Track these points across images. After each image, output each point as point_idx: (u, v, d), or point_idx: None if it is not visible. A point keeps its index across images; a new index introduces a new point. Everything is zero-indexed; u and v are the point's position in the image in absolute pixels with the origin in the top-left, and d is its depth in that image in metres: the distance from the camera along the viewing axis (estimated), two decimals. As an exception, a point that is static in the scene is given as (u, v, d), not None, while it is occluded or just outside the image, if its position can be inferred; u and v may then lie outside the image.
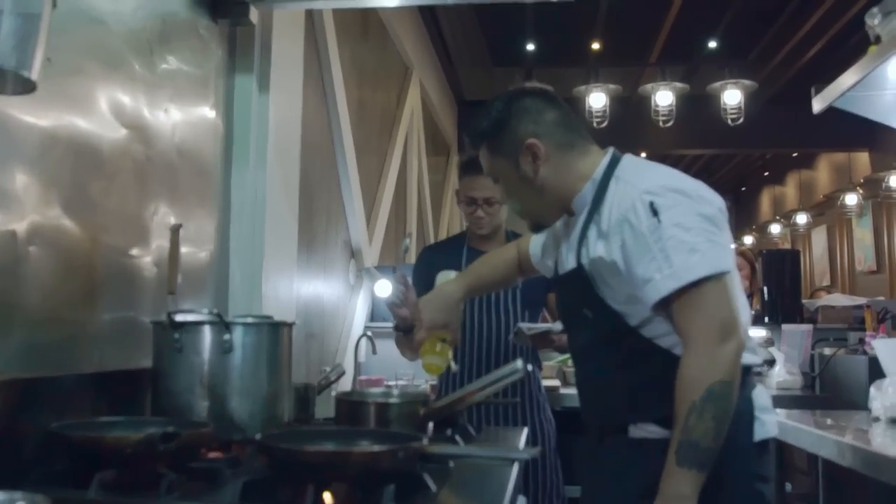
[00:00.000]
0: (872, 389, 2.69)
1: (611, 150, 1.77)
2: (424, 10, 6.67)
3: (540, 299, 2.96)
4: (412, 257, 3.50)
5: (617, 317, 1.66)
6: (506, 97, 1.80)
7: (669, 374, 1.54)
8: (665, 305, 1.58)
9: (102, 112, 1.85)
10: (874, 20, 2.29)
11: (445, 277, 2.30)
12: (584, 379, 1.83)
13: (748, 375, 1.63)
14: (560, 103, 1.80)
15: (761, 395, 1.68)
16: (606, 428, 1.76)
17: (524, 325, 2.72)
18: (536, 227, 1.92)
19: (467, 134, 1.88)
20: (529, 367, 1.93)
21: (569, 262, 1.75)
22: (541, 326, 2.76)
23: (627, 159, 1.75)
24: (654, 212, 1.57)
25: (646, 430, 1.66)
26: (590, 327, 1.74)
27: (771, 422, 1.67)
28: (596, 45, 8.22)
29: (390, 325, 3.08)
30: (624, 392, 1.70)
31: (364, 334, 4.26)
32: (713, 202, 1.62)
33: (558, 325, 2.73)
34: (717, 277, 1.55)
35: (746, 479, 1.61)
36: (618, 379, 1.71)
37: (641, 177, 1.66)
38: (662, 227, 1.56)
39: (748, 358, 1.62)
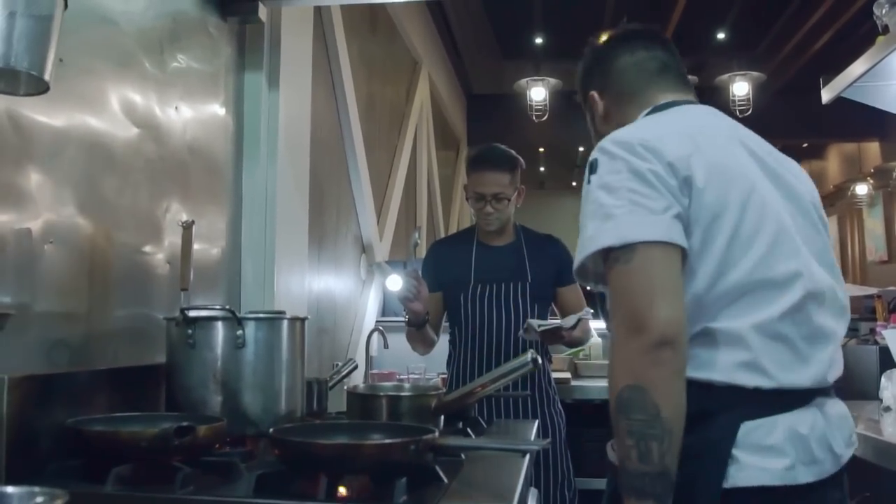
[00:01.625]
0: (883, 379, 2.69)
1: (667, 101, 1.51)
2: (433, 5, 6.67)
3: (549, 294, 2.97)
4: (422, 251, 3.52)
5: (601, 297, 1.45)
6: (588, 48, 1.67)
7: None
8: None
9: (114, 111, 1.87)
10: (882, 10, 2.28)
11: None
12: None
13: (733, 400, 1.26)
14: (638, 45, 1.58)
15: (763, 431, 1.25)
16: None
17: (535, 322, 2.73)
18: None
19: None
20: (539, 360, 1.94)
21: None
22: (551, 322, 2.76)
23: (666, 111, 1.49)
24: (591, 170, 1.34)
25: (613, 454, 1.35)
26: (601, 308, 1.52)
27: (762, 467, 1.23)
28: (605, 38, 8.18)
29: (402, 319, 3.11)
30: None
31: (376, 329, 4.28)
32: (662, 155, 1.29)
33: (569, 321, 2.74)
34: (626, 252, 1.24)
35: None
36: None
37: (624, 127, 1.42)
38: (590, 189, 1.32)
39: (737, 376, 1.26)
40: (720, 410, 1.25)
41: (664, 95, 1.53)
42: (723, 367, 1.26)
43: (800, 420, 1.27)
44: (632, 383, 1.19)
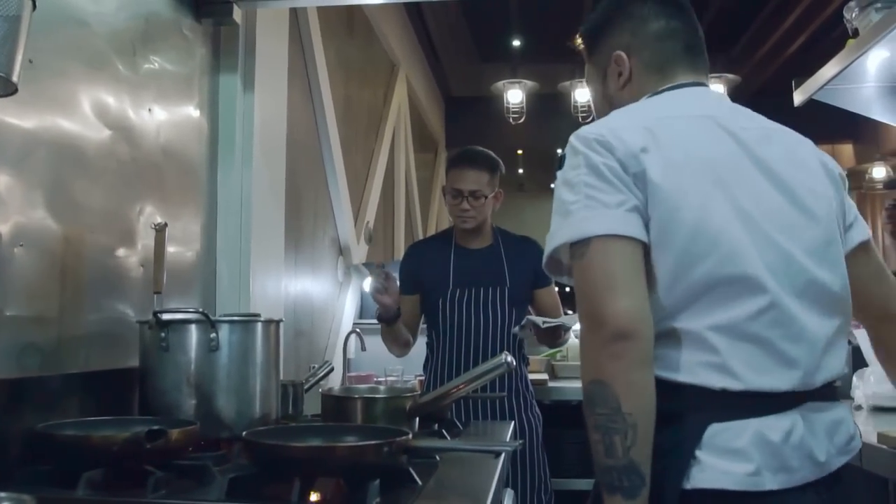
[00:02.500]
0: (854, 378, 2.71)
1: (675, 83, 1.45)
2: (410, 7, 6.67)
3: (526, 297, 2.97)
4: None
5: None
6: None
7: None
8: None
9: (86, 113, 1.86)
10: (852, 14, 2.31)
11: None
12: None
13: (699, 401, 1.23)
14: (677, 13, 1.48)
15: (730, 434, 1.21)
16: None
17: (537, 319, 2.72)
18: None
19: (577, 39, 1.61)
20: (514, 361, 1.95)
21: None
22: (554, 321, 2.76)
23: (661, 95, 1.44)
24: (559, 166, 1.33)
25: None
26: None
27: (724, 469, 1.20)
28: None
29: (375, 320, 3.10)
30: None
31: (353, 331, 4.28)
32: (616, 149, 1.27)
33: (571, 321, 2.73)
34: (581, 247, 1.23)
35: None
36: None
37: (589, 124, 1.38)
38: (556, 185, 1.32)
39: (703, 377, 1.23)
40: (688, 410, 1.23)
41: (683, 76, 1.46)
42: (688, 367, 1.24)
43: (772, 425, 1.23)
44: (594, 378, 1.19)
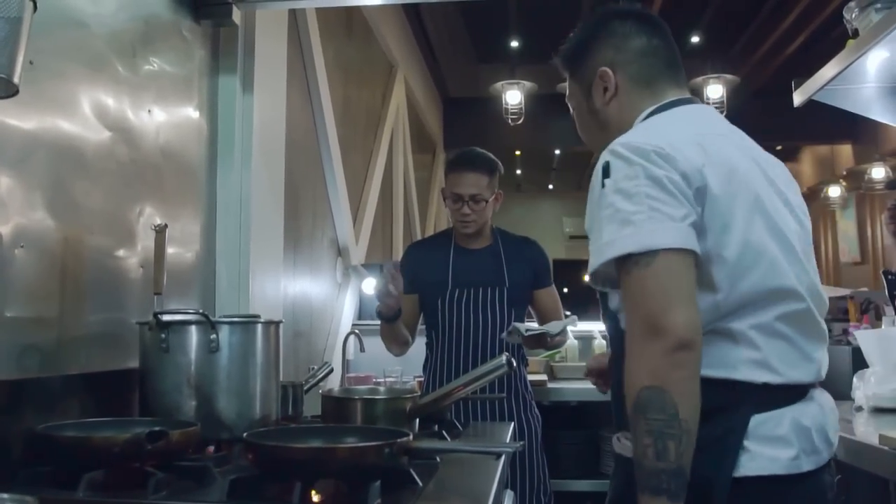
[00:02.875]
0: (855, 379, 2.72)
1: (675, 98, 1.52)
2: (409, 9, 6.68)
3: (526, 298, 2.96)
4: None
5: (602, 296, 1.49)
6: (596, 16, 1.59)
7: None
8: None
9: (86, 114, 1.85)
10: (852, 14, 2.31)
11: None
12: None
13: (744, 395, 1.32)
14: (656, 31, 1.55)
15: (772, 423, 1.32)
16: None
17: (521, 326, 2.70)
18: None
19: (556, 57, 1.66)
20: (514, 363, 1.94)
21: None
22: (537, 328, 2.75)
23: (673, 111, 1.49)
24: (605, 174, 1.34)
25: (621, 445, 1.45)
26: (602, 308, 1.54)
27: (772, 456, 1.30)
28: (580, 41, 8.24)
29: (376, 321, 3.08)
30: (614, 391, 1.51)
31: (352, 332, 4.28)
32: (678, 163, 1.31)
33: (555, 327, 2.72)
34: (647, 258, 1.26)
35: None
36: (614, 375, 1.51)
37: (631, 132, 1.43)
38: (604, 193, 1.32)
39: (746, 373, 1.32)
40: (732, 405, 1.31)
41: (672, 91, 1.53)
42: (733, 364, 1.32)
43: (803, 412, 1.35)
44: (651, 384, 1.23)
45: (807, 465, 1.33)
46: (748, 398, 1.32)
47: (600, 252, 1.32)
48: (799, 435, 1.33)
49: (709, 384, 1.28)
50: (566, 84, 1.66)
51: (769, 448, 1.31)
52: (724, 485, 1.28)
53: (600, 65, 1.54)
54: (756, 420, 1.31)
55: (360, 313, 4.69)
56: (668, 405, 1.22)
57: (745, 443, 1.30)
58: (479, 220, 2.89)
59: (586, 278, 1.47)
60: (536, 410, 2.97)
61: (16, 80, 1.26)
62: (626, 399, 1.27)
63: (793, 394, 1.36)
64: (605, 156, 1.36)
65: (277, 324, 1.93)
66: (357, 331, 4.26)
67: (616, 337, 1.45)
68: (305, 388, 2.32)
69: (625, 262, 1.29)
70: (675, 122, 1.45)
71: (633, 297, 1.29)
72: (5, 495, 0.98)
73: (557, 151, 11.57)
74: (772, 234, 1.36)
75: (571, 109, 1.66)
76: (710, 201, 1.32)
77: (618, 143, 1.36)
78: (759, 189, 1.38)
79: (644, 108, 1.51)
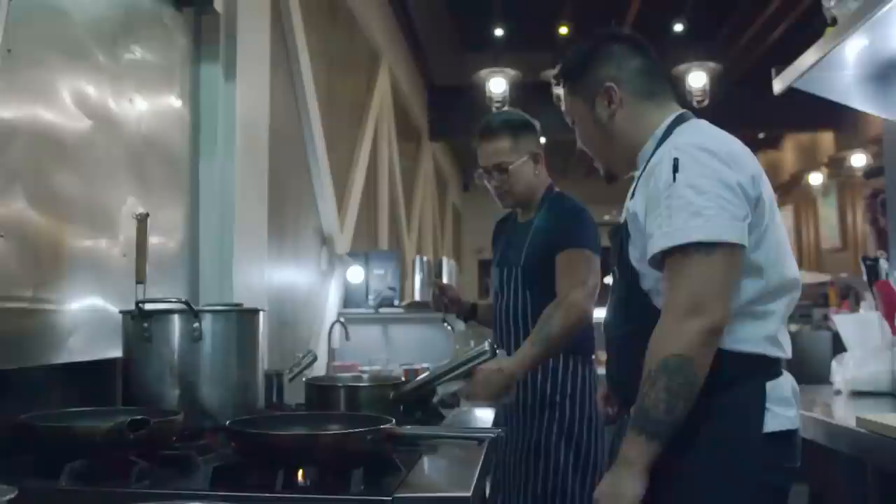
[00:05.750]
0: (834, 364, 2.75)
1: (681, 111, 1.72)
2: (393, -4, 6.67)
3: (544, 277, 2.50)
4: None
5: (634, 277, 1.63)
6: (594, 38, 1.79)
7: None
8: (662, 266, 1.54)
9: (66, 103, 1.85)
10: (831, 2, 2.32)
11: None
12: (607, 347, 1.78)
13: (763, 366, 1.57)
14: (648, 53, 1.76)
15: (780, 388, 1.58)
16: (622, 402, 1.74)
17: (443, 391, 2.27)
18: (609, 177, 1.83)
19: (553, 74, 1.87)
20: (497, 349, 1.95)
21: (622, 217, 1.71)
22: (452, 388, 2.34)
23: (694, 121, 1.69)
24: (675, 168, 1.52)
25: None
26: (615, 290, 1.73)
27: (786, 415, 1.57)
28: (564, 30, 8.24)
29: (362, 312, 3.06)
30: (631, 365, 1.61)
31: (337, 320, 4.30)
32: (745, 169, 1.53)
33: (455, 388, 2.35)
34: (710, 247, 1.47)
35: (753, 470, 1.53)
36: (627, 349, 1.67)
37: (685, 134, 1.62)
38: (675, 185, 1.50)
39: (766, 348, 1.57)
40: (752, 373, 1.55)
41: (673, 105, 1.74)
42: (755, 341, 1.56)
43: (788, 380, 1.62)
44: (681, 353, 1.45)
45: (799, 422, 1.61)
46: (763, 369, 1.57)
47: (669, 236, 1.49)
48: (795, 397, 1.61)
49: (737, 356, 1.53)
50: (561, 94, 1.84)
51: (782, 409, 1.56)
52: (757, 440, 1.52)
53: (604, 81, 1.71)
54: (769, 386, 1.56)
55: (346, 301, 4.70)
56: (689, 374, 1.45)
57: (768, 404, 1.55)
58: (515, 189, 2.58)
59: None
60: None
61: (-6, 68, 1.25)
62: (647, 358, 1.49)
63: (782, 365, 1.63)
64: (672, 153, 1.54)
65: (260, 312, 1.93)
66: (342, 319, 4.28)
67: (636, 306, 1.63)
68: (290, 376, 2.32)
69: (686, 248, 1.48)
70: (714, 130, 1.63)
71: (686, 278, 1.48)
72: (-14, 484, 0.98)
73: (543, 139, 11.56)
74: (784, 235, 1.62)
75: (571, 122, 1.83)
76: (760, 207, 1.54)
77: (688, 144, 1.55)
78: (771, 193, 1.60)
79: (654, 119, 1.70)
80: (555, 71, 1.86)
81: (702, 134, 1.61)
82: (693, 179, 1.50)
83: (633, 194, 1.66)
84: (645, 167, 1.65)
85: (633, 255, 1.62)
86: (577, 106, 1.78)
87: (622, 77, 1.72)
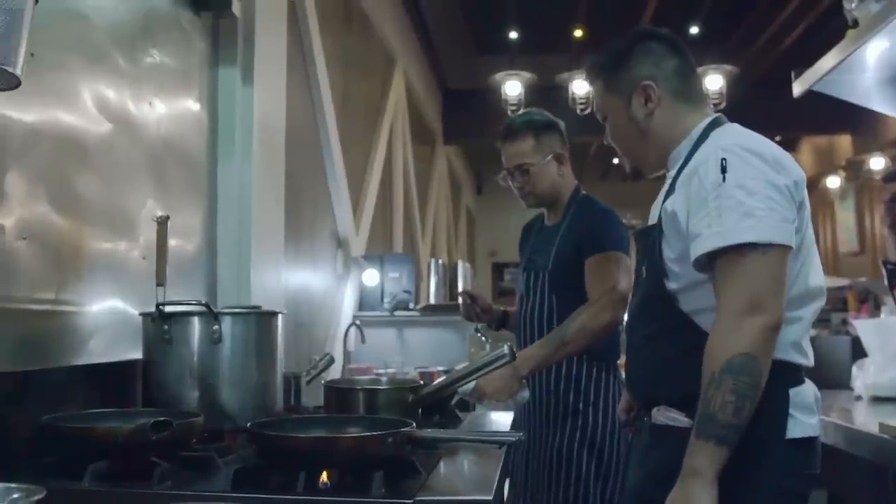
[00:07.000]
0: (854, 369, 2.73)
1: (717, 114, 1.72)
2: (408, 0, 6.67)
3: (572, 281, 2.47)
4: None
5: (662, 277, 1.60)
6: (632, 36, 1.77)
7: (697, 353, 1.48)
8: (709, 266, 1.52)
9: (87, 106, 1.86)
10: (852, 4, 2.31)
11: None
12: (627, 349, 1.77)
13: (787, 372, 1.55)
14: (684, 53, 1.75)
15: (803, 395, 1.57)
16: (641, 405, 1.73)
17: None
18: (635, 174, 1.85)
19: (586, 68, 1.85)
20: (516, 353, 1.93)
21: (652, 218, 1.70)
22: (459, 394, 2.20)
23: (731, 125, 1.69)
24: (723, 169, 1.51)
25: (667, 417, 1.61)
26: (641, 288, 1.70)
27: (809, 422, 1.56)
28: (578, 33, 8.23)
29: (378, 314, 3.02)
30: (652, 366, 1.65)
31: (353, 323, 4.30)
32: (791, 173, 1.53)
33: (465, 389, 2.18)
34: (764, 248, 1.47)
35: (775, 475, 1.51)
36: (649, 351, 1.66)
37: (728, 136, 1.61)
38: (725, 186, 1.50)
39: (791, 355, 1.55)
40: (777, 379, 1.50)
41: (706, 108, 1.74)
42: (783, 348, 1.53)
43: (811, 388, 1.60)
44: (746, 352, 1.43)
45: (819, 429, 1.60)
46: (787, 375, 1.55)
47: (721, 236, 1.48)
48: (816, 404, 1.60)
49: None
50: (595, 94, 1.81)
51: (805, 415, 1.56)
52: (779, 445, 1.51)
53: (642, 79, 1.70)
54: (792, 392, 1.55)
55: (361, 304, 4.70)
56: (755, 373, 1.43)
57: (792, 410, 1.53)
58: (538, 190, 2.55)
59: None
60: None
61: (18, 71, 1.26)
62: (706, 361, 1.46)
63: (805, 373, 1.61)
64: (719, 153, 1.53)
65: (279, 314, 1.93)
66: (358, 322, 4.29)
67: (661, 307, 1.62)
68: (307, 378, 2.33)
69: (741, 247, 1.47)
70: (754, 134, 1.62)
71: (742, 276, 1.47)
72: (13, 485, 0.99)
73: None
74: (811, 238, 1.61)
75: (602, 119, 1.80)
76: (802, 213, 1.55)
77: (733, 144, 1.54)
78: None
79: (690, 120, 1.69)
80: (588, 65, 1.85)
81: (746, 136, 1.60)
82: (742, 180, 1.49)
83: (667, 194, 1.63)
84: (681, 168, 1.64)
85: (668, 256, 1.60)
86: (611, 102, 1.76)
87: (659, 76, 1.70)
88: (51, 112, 1.73)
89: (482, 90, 8.20)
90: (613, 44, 1.78)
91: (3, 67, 1.23)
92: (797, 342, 1.58)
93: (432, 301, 5.36)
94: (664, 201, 1.62)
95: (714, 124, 1.67)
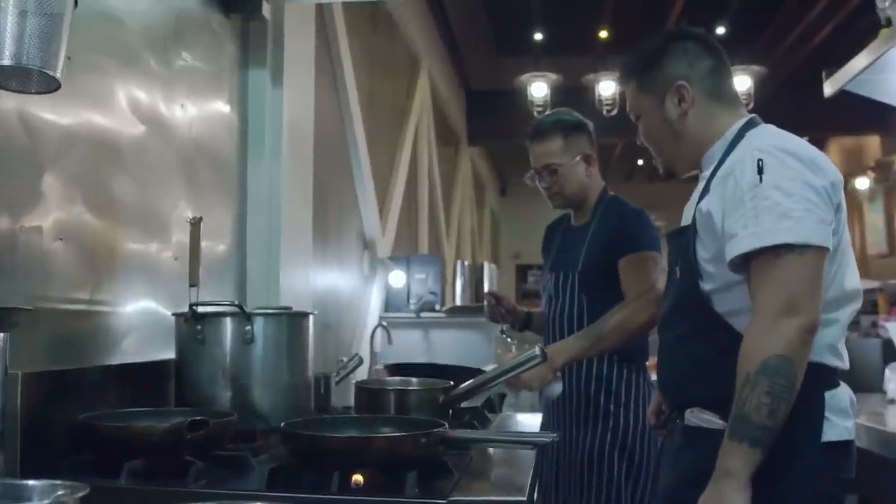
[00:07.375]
0: (887, 371, 2.70)
1: (751, 115, 1.70)
2: (432, 2, 6.68)
3: (603, 282, 2.45)
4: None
5: (696, 278, 1.59)
6: (666, 35, 1.77)
7: (731, 354, 1.47)
8: (745, 267, 1.50)
9: (121, 108, 1.88)
10: (885, 3, 2.28)
11: None
12: (659, 350, 1.75)
13: (823, 375, 1.54)
14: (719, 53, 1.73)
15: (838, 398, 1.56)
16: (673, 406, 1.72)
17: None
18: (668, 174, 1.82)
19: (619, 67, 1.84)
20: (547, 354, 1.93)
21: (685, 219, 1.69)
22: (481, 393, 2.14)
23: (765, 126, 1.67)
24: (760, 170, 1.50)
25: (700, 418, 1.60)
26: (674, 289, 1.69)
27: (844, 426, 1.55)
28: (604, 34, 8.20)
29: (404, 315, 3.03)
30: (686, 367, 1.64)
31: (380, 324, 4.31)
32: (828, 175, 1.52)
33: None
34: (801, 249, 1.45)
35: (809, 478, 1.50)
36: (682, 352, 1.65)
37: (764, 137, 1.60)
38: (762, 187, 1.49)
39: (827, 357, 1.54)
40: (813, 382, 1.48)
41: (741, 108, 1.72)
42: (819, 351, 1.50)
43: (846, 391, 1.59)
44: (782, 353, 1.42)
45: (854, 432, 1.58)
46: (823, 378, 1.53)
47: (757, 236, 1.47)
48: (852, 408, 1.58)
49: None
50: (628, 94, 1.80)
51: (840, 419, 1.54)
52: (815, 448, 1.49)
53: (676, 79, 1.69)
54: (827, 395, 1.53)
55: (387, 305, 4.71)
56: (791, 374, 1.42)
57: (828, 413, 1.51)
58: (565, 191, 2.53)
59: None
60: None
61: (58, 75, 1.28)
62: (741, 362, 1.44)
63: (840, 376, 1.59)
64: (755, 154, 1.52)
65: (310, 315, 1.95)
66: (385, 323, 4.30)
67: (694, 308, 1.61)
68: (336, 379, 2.34)
69: (778, 248, 1.46)
70: (791, 135, 1.60)
71: (778, 277, 1.46)
72: (57, 482, 1.00)
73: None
74: (847, 240, 1.59)
75: (635, 118, 1.79)
76: (839, 215, 1.53)
77: (771, 146, 1.53)
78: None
79: (724, 121, 1.68)
80: (621, 64, 1.84)
81: (782, 137, 1.59)
82: (779, 181, 1.48)
83: (702, 195, 1.62)
84: (716, 169, 1.62)
85: (703, 256, 1.58)
86: (644, 102, 1.75)
87: (693, 76, 1.69)
88: (86, 114, 1.75)
89: (506, 91, 8.20)
90: (647, 43, 1.77)
91: (45, 71, 1.25)
92: (833, 345, 1.56)
93: (458, 302, 5.36)
94: (699, 202, 1.61)
95: (749, 125, 1.66)
